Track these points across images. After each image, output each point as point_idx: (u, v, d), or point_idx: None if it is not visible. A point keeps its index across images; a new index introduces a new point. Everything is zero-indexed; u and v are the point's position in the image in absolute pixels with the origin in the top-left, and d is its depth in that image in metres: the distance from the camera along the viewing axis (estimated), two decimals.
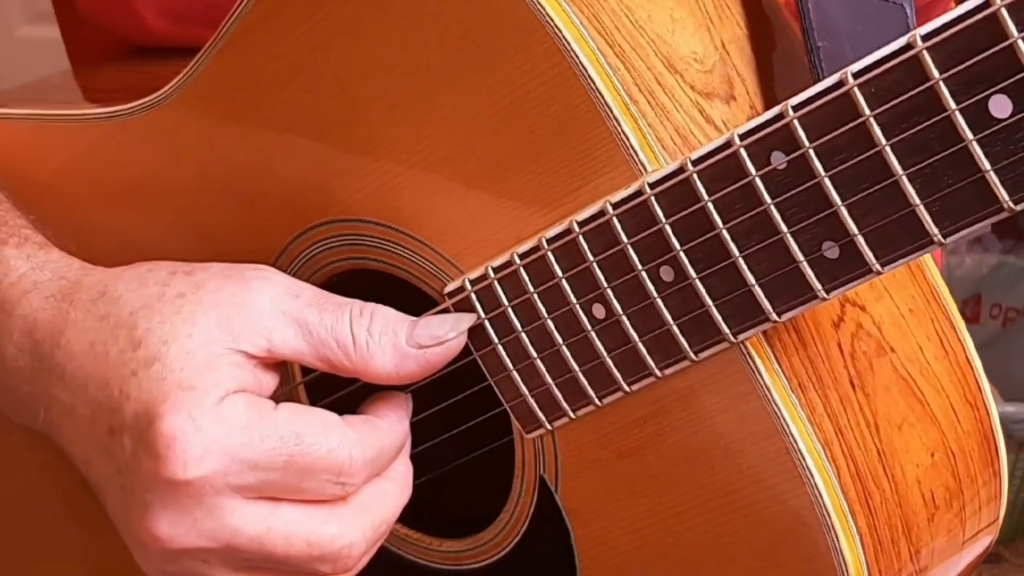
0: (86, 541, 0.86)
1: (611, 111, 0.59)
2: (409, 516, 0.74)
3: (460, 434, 0.72)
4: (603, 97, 0.59)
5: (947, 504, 0.64)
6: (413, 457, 0.69)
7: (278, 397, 0.63)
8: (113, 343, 0.62)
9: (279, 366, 0.64)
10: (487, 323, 0.65)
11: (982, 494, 0.67)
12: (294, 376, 0.75)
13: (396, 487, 0.65)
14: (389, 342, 0.63)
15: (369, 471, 0.63)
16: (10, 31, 2.11)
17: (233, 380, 0.61)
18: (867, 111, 0.51)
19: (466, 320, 0.65)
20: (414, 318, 0.64)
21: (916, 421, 0.63)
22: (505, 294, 0.64)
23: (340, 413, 0.64)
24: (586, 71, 0.58)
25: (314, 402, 0.75)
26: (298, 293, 0.63)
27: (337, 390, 0.72)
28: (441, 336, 0.63)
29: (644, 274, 0.59)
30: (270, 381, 0.63)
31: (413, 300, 0.68)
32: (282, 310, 0.62)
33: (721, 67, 0.62)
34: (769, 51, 0.65)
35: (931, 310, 0.65)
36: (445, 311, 0.66)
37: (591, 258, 0.60)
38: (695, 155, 0.57)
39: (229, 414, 0.60)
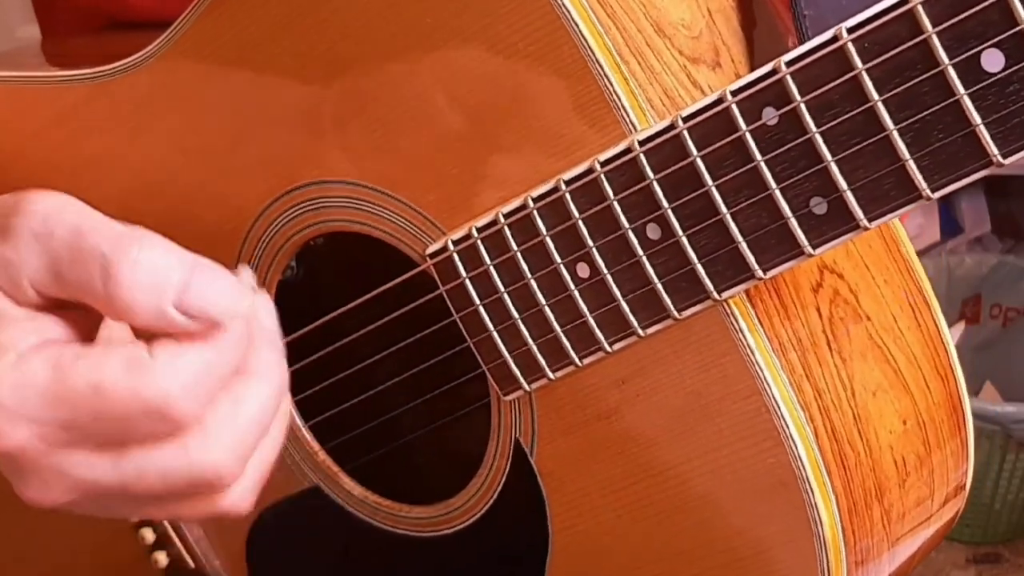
0: None
1: (602, 69, 0.59)
2: (379, 483, 0.74)
3: (434, 398, 0.72)
4: (595, 55, 0.59)
5: (917, 471, 0.65)
6: (385, 422, 0.69)
7: None
8: None
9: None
10: (469, 284, 0.65)
11: (950, 463, 0.68)
12: None
13: (256, 384, 0.56)
14: (153, 305, 0.52)
15: (199, 395, 0.54)
16: (10, 31, 2.09)
17: (28, 335, 0.55)
18: (860, 65, 0.53)
19: (247, 295, 0.54)
20: (191, 265, 0.53)
21: (889, 388, 0.64)
22: (488, 254, 0.64)
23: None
24: (578, 29, 0.59)
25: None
26: (52, 231, 0.54)
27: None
28: (213, 315, 0.53)
29: (630, 232, 0.60)
30: (73, 321, 0.56)
31: (394, 262, 0.68)
32: (38, 254, 0.54)
33: (708, 34, 0.63)
34: (751, 25, 0.66)
35: (905, 282, 0.66)
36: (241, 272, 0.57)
37: (577, 215, 0.61)
38: (685, 112, 0.58)
39: (25, 379, 0.53)
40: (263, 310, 0.58)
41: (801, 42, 0.62)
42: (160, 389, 0.52)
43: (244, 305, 0.54)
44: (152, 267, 0.52)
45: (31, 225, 0.53)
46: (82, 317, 0.56)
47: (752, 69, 0.64)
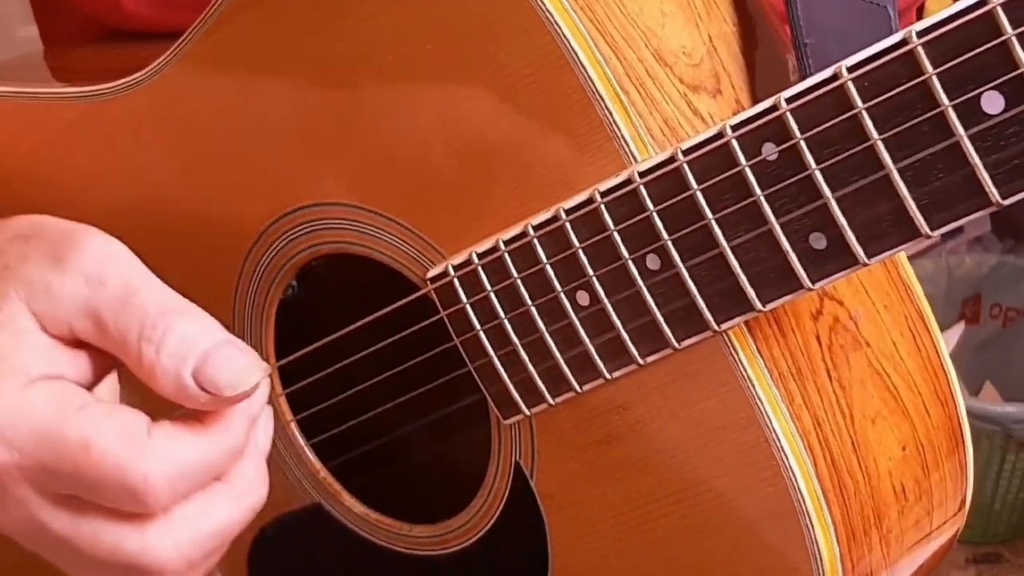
0: None
1: (603, 100, 0.59)
2: (380, 501, 0.74)
3: (436, 420, 0.72)
4: (595, 86, 0.59)
5: (916, 497, 0.66)
6: (387, 441, 0.69)
7: None
8: None
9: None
10: (469, 309, 0.65)
11: (948, 487, 0.68)
12: (267, 358, 0.75)
13: (230, 496, 0.57)
14: (173, 369, 0.54)
15: (177, 489, 0.55)
16: (10, 31, 2.09)
17: (42, 364, 0.55)
18: (860, 103, 0.52)
19: (258, 373, 0.55)
20: (220, 341, 0.55)
21: (889, 415, 0.64)
22: (489, 280, 0.64)
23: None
24: (579, 60, 0.59)
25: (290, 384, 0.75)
26: (105, 280, 0.55)
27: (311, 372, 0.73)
28: (220, 387, 0.54)
29: (630, 262, 0.60)
30: (88, 364, 0.57)
31: (394, 283, 0.68)
32: (85, 297, 0.55)
33: (709, 62, 0.63)
34: (753, 48, 0.66)
35: (904, 307, 0.66)
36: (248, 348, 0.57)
37: (577, 244, 0.61)
38: (685, 145, 0.58)
39: (24, 407, 0.54)
40: (263, 428, 0.59)
41: (801, 68, 0.62)
42: (143, 471, 0.53)
43: (251, 381, 0.54)
44: (183, 334, 0.54)
45: (84, 265, 0.55)
46: (96, 363, 0.56)
47: (753, 94, 0.64)
